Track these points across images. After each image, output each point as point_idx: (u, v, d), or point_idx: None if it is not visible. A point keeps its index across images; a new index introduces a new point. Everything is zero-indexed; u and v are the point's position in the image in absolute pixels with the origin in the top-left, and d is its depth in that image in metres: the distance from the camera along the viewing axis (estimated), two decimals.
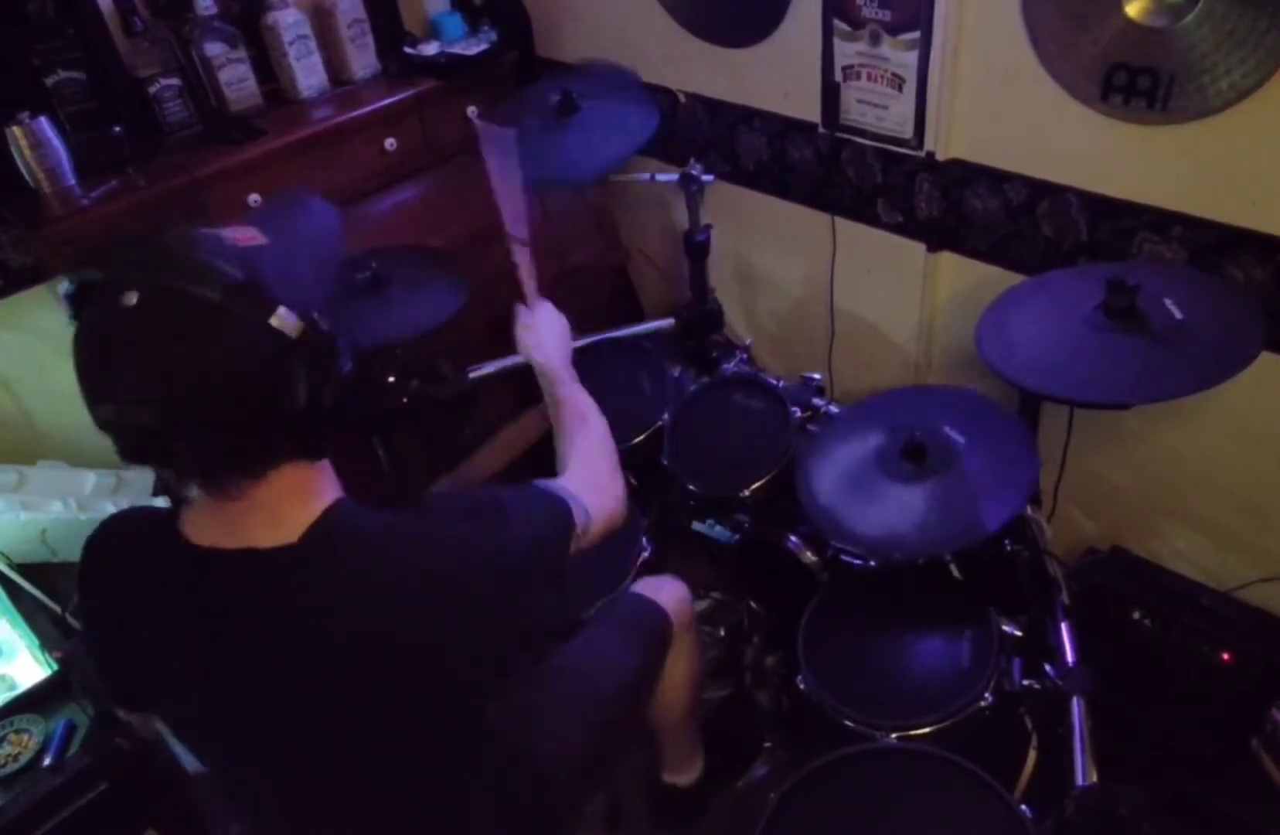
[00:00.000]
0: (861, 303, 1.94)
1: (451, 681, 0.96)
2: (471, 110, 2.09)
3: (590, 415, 1.31)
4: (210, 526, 0.92)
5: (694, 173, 1.72)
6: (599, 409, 1.33)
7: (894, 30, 1.54)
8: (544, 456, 1.37)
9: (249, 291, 0.82)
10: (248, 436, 0.86)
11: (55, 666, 1.53)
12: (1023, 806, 1.14)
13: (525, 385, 1.96)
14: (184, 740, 1.11)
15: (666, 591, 1.45)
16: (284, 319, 0.83)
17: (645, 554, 1.65)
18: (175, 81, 1.80)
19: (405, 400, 1.69)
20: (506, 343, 1.43)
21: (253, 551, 0.90)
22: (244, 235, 0.89)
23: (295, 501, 0.91)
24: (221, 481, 0.87)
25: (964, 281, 1.73)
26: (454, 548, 0.96)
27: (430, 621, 0.92)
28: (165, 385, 0.81)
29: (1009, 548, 1.53)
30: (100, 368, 0.82)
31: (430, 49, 2.06)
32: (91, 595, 1.04)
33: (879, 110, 1.65)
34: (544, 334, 1.42)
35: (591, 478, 1.19)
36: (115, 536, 1.02)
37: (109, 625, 1.04)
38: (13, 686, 1.54)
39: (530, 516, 1.04)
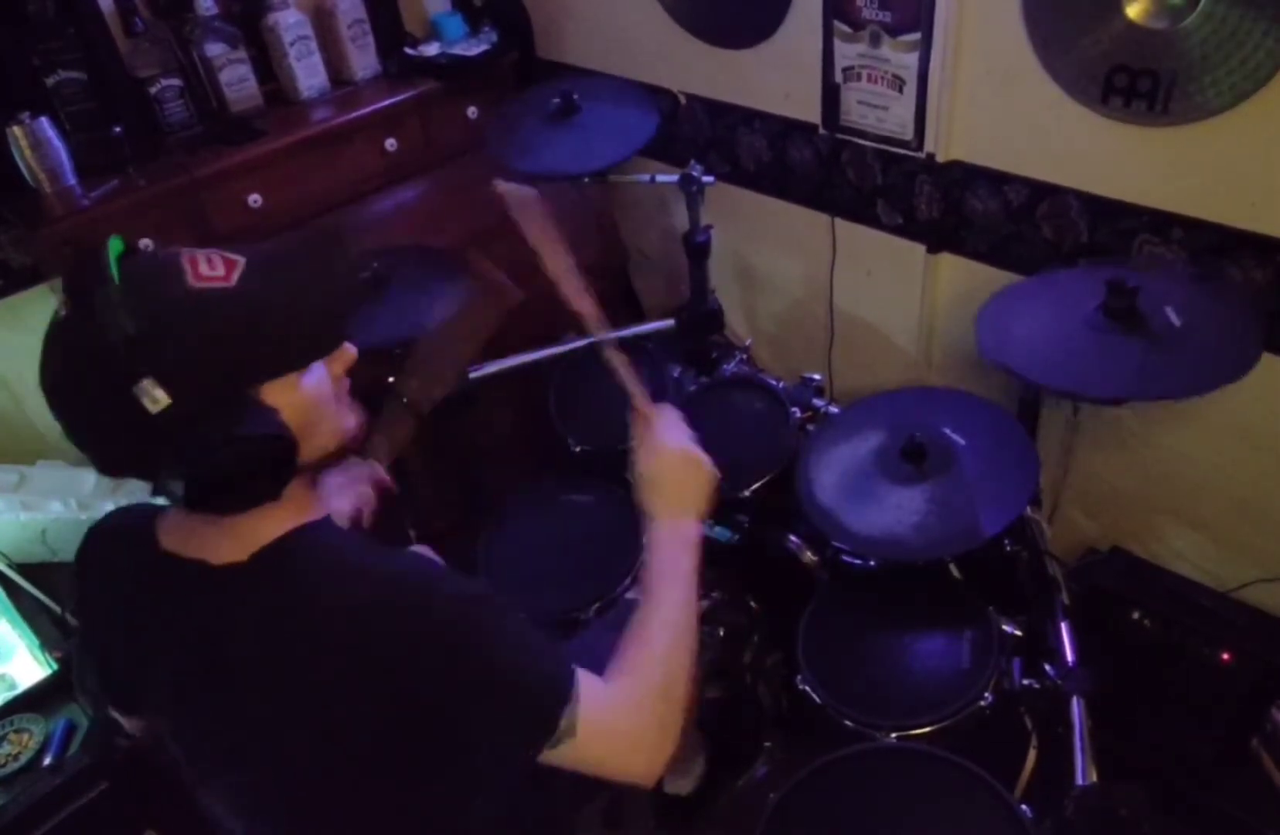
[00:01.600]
0: (861, 304, 1.94)
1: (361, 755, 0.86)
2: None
3: (676, 619, 1.01)
4: (176, 532, 0.91)
5: (694, 174, 1.72)
6: (691, 609, 1.02)
7: (894, 31, 1.54)
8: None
9: (127, 349, 0.77)
10: (135, 474, 0.84)
11: (55, 666, 1.53)
12: (1023, 806, 1.14)
13: (526, 385, 1.97)
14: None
15: None
16: (147, 390, 0.76)
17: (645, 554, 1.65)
18: (176, 82, 1.80)
19: (405, 400, 1.68)
20: (507, 343, 1.43)
21: (203, 565, 0.88)
22: (213, 271, 0.81)
23: (245, 523, 0.87)
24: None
25: (964, 283, 1.73)
26: (392, 621, 0.85)
27: (331, 681, 0.84)
28: (54, 400, 0.83)
29: (1009, 548, 1.53)
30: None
31: (431, 50, 2.06)
32: (81, 595, 1.03)
33: (879, 111, 1.65)
34: (657, 459, 1.11)
35: (630, 688, 0.95)
36: (104, 536, 1.01)
37: (96, 624, 1.04)
38: (13, 686, 1.54)
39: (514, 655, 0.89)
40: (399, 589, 0.86)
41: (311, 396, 0.86)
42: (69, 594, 1.69)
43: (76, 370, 0.81)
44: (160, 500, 0.89)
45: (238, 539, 0.87)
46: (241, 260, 0.83)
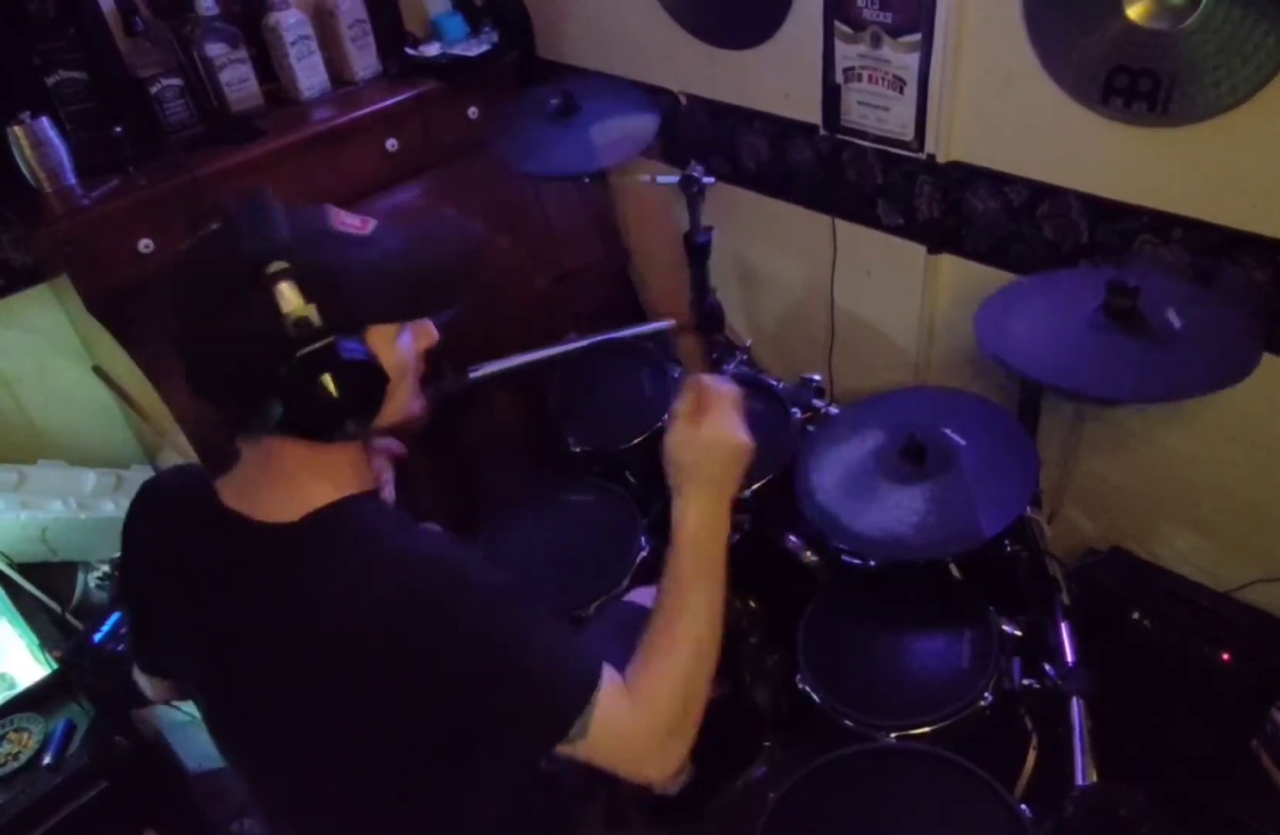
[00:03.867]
0: (862, 304, 1.94)
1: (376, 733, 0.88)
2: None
3: (703, 627, 0.97)
4: (233, 488, 0.94)
5: (695, 174, 1.72)
6: (718, 602, 0.98)
7: (895, 32, 1.54)
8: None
9: (277, 252, 0.83)
10: (234, 391, 0.88)
11: (55, 666, 1.53)
12: (1023, 806, 1.14)
13: (526, 385, 1.97)
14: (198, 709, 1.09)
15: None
16: (286, 292, 0.82)
17: (644, 553, 1.65)
18: (176, 81, 1.80)
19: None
20: (507, 343, 1.42)
21: (252, 521, 0.91)
22: (351, 221, 0.90)
23: (303, 481, 0.91)
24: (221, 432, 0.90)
25: (964, 283, 1.73)
26: (429, 598, 0.87)
27: (356, 659, 0.86)
28: (183, 305, 0.88)
29: (1009, 548, 1.53)
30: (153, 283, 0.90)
31: (431, 50, 2.06)
32: (126, 548, 1.05)
33: (880, 112, 1.65)
34: (709, 438, 1.00)
35: (655, 687, 0.95)
36: (159, 489, 1.05)
37: (140, 582, 1.05)
38: (13, 685, 1.54)
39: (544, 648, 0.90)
40: (438, 575, 0.89)
41: (401, 358, 0.92)
42: (69, 594, 1.69)
43: (222, 267, 0.85)
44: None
45: (293, 498, 0.90)
46: (374, 221, 0.92)
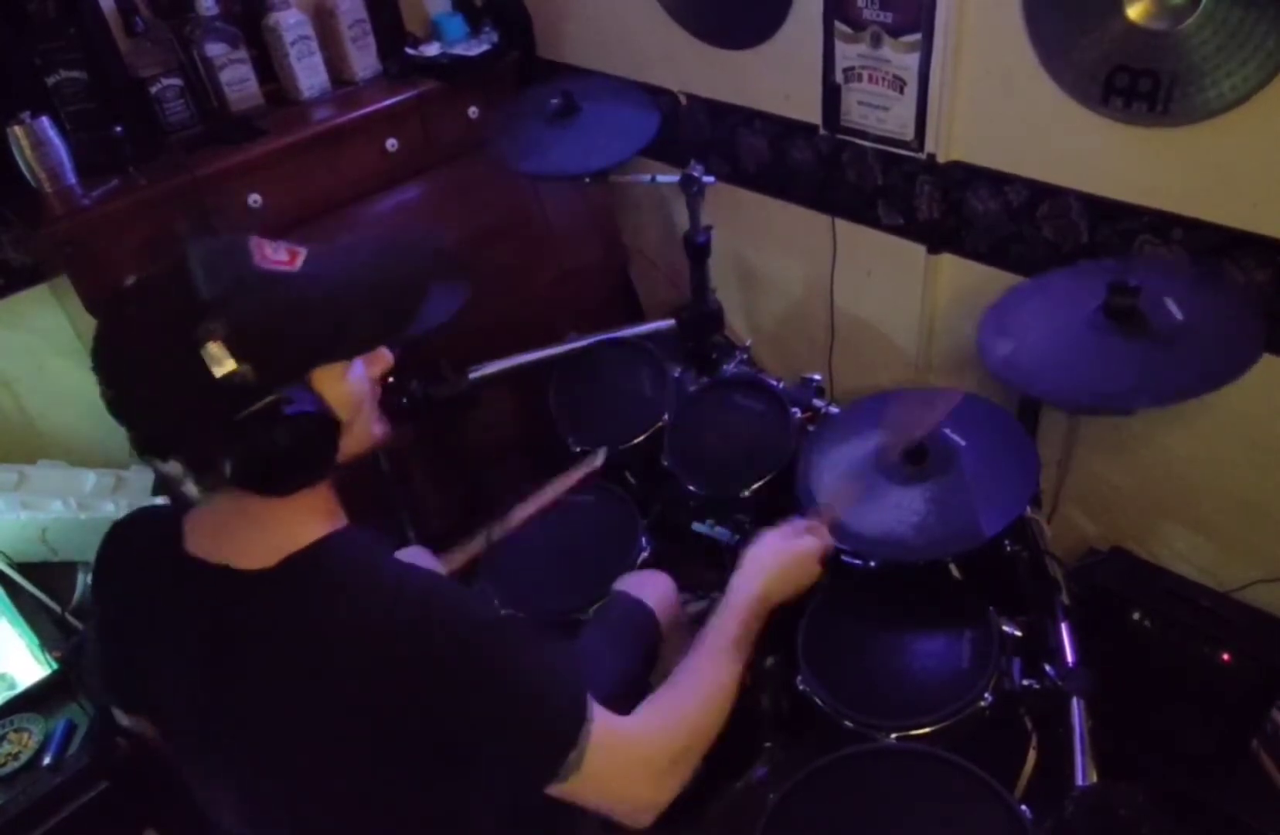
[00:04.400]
0: (862, 304, 1.94)
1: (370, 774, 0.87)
2: (471, 109, 2.07)
3: (722, 695, 1.06)
4: (202, 534, 0.91)
5: (695, 174, 1.72)
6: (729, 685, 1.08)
7: (895, 32, 1.54)
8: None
9: (198, 313, 0.79)
10: (179, 453, 0.84)
11: (55, 666, 1.53)
12: (1023, 806, 1.14)
13: (526, 385, 1.97)
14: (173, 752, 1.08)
15: (650, 587, 1.44)
16: (215, 353, 0.78)
17: (645, 554, 1.65)
18: (176, 81, 1.80)
19: (405, 401, 1.68)
20: (507, 343, 1.43)
21: (228, 569, 0.88)
22: (279, 256, 0.85)
23: (273, 528, 0.88)
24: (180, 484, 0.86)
25: (964, 283, 1.73)
26: (415, 638, 0.85)
27: (344, 701, 0.84)
28: (114, 367, 0.83)
29: (1009, 548, 1.53)
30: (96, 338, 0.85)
31: (432, 50, 2.06)
32: (97, 591, 1.04)
33: (880, 112, 1.65)
34: (798, 549, 1.26)
35: (663, 724, 0.98)
36: (126, 533, 1.01)
37: (107, 622, 1.03)
38: (12, 686, 1.54)
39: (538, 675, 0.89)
40: (423, 613, 0.86)
41: (354, 392, 0.89)
42: (69, 593, 1.69)
43: (144, 334, 0.82)
44: (160, 501, 0.89)
45: (268, 543, 0.87)
46: (304, 250, 0.87)
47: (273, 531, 0.88)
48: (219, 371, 0.78)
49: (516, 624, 0.92)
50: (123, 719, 1.13)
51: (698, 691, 1.05)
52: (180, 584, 0.92)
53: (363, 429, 0.92)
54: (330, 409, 0.85)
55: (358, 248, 0.95)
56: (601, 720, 0.90)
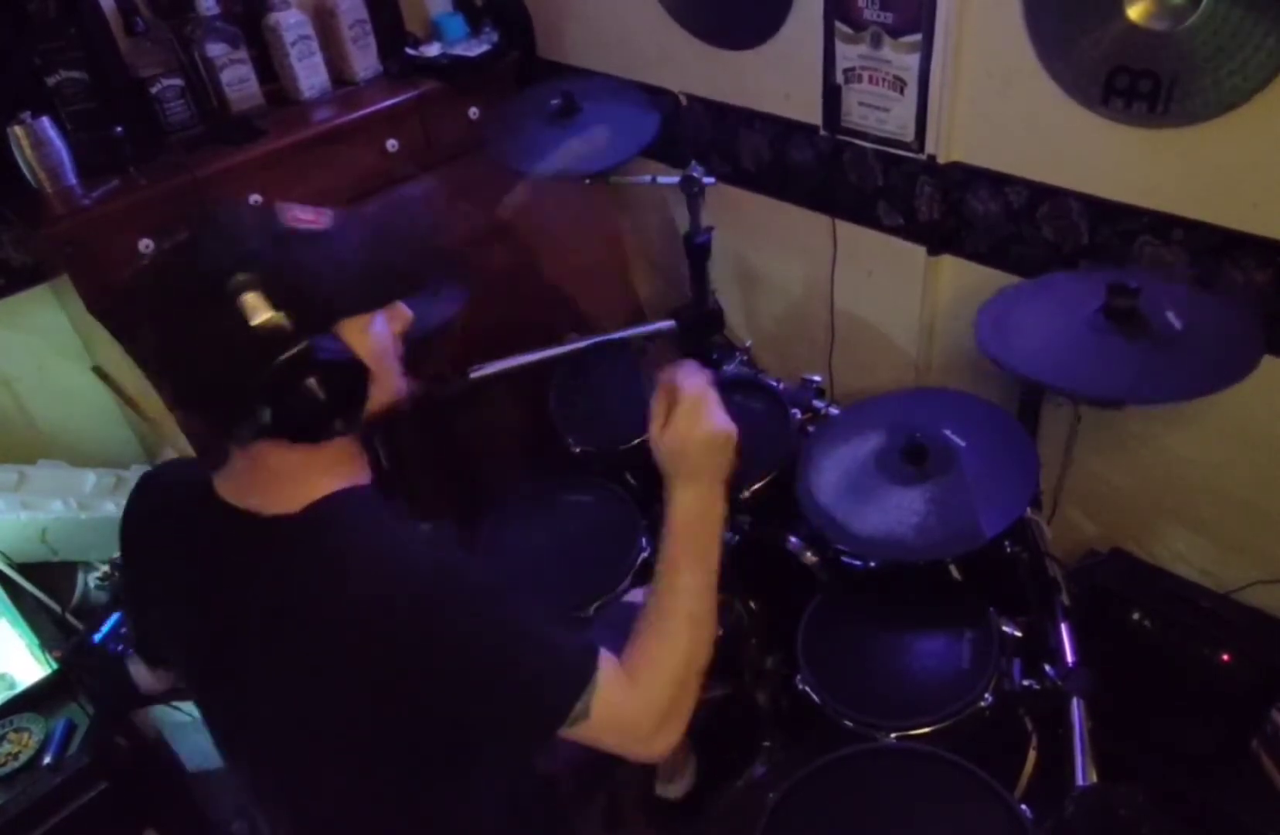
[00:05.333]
0: (862, 305, 1.94)
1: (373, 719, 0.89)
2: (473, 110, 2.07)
3: (699, 607, 1.00)
4: (233, 482, 0.95)
5: (695, 175, 1.72)
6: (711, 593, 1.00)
7: (895, 33, 1.54)
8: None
9: (236, 266, 0.84)
10: (215, 402, 0.89)
11: (55, 666, 1.53)
12: (1023, 806, 1.15)
13: (526, 385, 1.97)
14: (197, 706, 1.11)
15: None
16: (251, 303, 0.83)
17: (645, 554, 1.65)
18: (177, 81, 1.80)
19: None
20: (507, 343, 1.42)
21: (253, 514, 0.92)
22: (306, 216, 0.91)
23: (300, 479, 0.92)
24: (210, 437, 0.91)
25: (964, 284, 1.73)
26: (419, 590, 0.88)
27: (355, 651, 0.87)
28: (157, 325, 0.89)
29: (1009, 549, 1.53)
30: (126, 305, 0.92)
31: (432, 50, 2.06)
32: (126, 541, 1.06)
33: (880, 113, 1.65)
34: (679, 427, 1.03)
35: (649, 676, 0.96)
36: (157, 483, 1.06)
37: (140, 573, 1.06)
38: (12, 686, 1.54)
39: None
40: (433, 567, 0.90)
41: (378, 343, 0.93)
42: (69, 593, 1.69)
43: (185, 291, 0.86)
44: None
45: (294, 491, 0.92)
46: (329, 211, 0.93)
47: (300, 481, 0.92)
48: (256, 320, 0.83)
49: (517, 589, 0.94)
50: (144, 676, 1.15)
51: (675, 623, 0.99)
52: (206, 528, 0.96)
53: (388, 380, 0.96)
54: (358, 357, 0.90)
55: (377, 211, 1.00)
56: (609, 669, 0.93)
